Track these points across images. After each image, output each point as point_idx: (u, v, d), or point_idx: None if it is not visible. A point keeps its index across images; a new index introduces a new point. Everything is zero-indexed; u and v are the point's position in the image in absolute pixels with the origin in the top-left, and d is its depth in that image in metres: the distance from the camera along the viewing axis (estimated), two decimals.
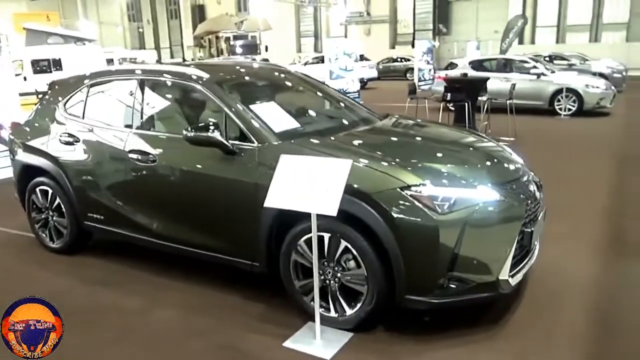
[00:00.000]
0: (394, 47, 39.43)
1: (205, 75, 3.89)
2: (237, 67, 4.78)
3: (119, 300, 3.78)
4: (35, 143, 4.63)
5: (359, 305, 3.12)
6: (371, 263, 3.00)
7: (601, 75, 15.08)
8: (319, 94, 4.62)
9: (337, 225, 3.05)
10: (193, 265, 4.17)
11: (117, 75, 4.52)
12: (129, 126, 4.04)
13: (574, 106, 12.24)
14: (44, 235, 4.73)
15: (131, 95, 4.07)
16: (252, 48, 28.96)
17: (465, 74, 11.64)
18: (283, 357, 3.01)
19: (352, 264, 3.11)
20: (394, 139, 3.99)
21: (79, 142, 4.29)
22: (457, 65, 14.23)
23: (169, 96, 4.37)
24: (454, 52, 35.57)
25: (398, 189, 2.94)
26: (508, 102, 9.55)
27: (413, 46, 38.21)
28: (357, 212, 2.99)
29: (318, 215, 2.95)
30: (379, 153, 3.28)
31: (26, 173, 4.71)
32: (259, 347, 3.12)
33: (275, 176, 3.01)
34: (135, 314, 3.58)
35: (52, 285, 4.03)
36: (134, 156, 3.88)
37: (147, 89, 4.15)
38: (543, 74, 12.60)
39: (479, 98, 9.60)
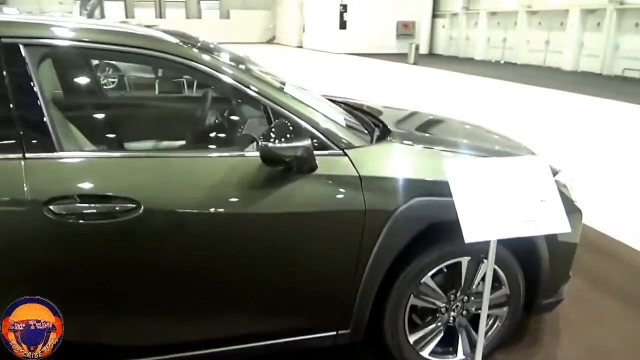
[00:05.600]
0: None
1: (201, 47, 2.01)
2: (180, 33, 2.49)
3: None
4: None
5: (494, 331, 2.36)
6: (515, 278, 2.29)
7: None
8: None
9: (481, 244, 2.15)
10: None
11: None
12: (32, 148, 1.68)
13: None
14: None
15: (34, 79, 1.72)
16: None
17: None
18: None
19: (480, 287, 2.30)
20: (453, 130, 2.98)
21: None
22: None
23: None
24: None
25: None
26: None
27: None
28: None
29: (448, 236, 2.05)
30: (484, 146, 2.48)
31: None
32: None
33: (456, 198, 1.84)
34: None
35: None
36: (66, 209, 1.65)
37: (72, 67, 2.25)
38: None
39: None
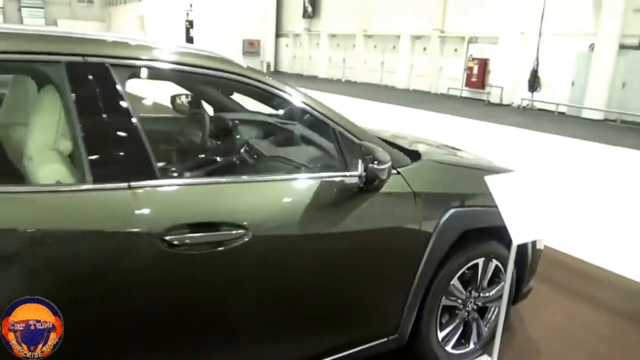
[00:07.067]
0: None
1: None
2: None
3: None
4: None
5: (495, 320, 2.66)
6: (512, 274, 2.62)
7: None
8: None
9: (492, 246, 2.45)
10: None
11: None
12: (135, 176, 1.52)
13: None
14: None
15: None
16: None
17: None
18: None
19: (485, 283, 2.61)
20: (455, 151, 3.06)
21: None
22: None
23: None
24: None
25: None
26: None
27: None
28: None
29: (473, 241, 2.35)
30: (485, 164, 2.75)
31: None
32: None
33: (501, 206, 2.08)
34: None
35: None
36: (181, 240, 1.52)
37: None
38: None
39: None
